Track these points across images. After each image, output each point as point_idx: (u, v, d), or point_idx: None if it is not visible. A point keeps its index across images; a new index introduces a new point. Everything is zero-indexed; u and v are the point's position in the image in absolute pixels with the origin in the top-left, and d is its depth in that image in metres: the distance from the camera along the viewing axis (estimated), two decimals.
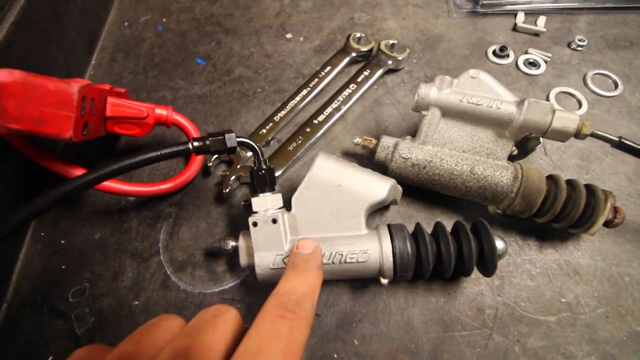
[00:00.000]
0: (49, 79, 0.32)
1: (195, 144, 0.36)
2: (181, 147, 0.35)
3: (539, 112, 0.37)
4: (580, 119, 0.37)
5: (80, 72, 0.60)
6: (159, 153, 0.34)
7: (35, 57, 0.50)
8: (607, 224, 0.38)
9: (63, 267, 0.43)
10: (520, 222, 0.42)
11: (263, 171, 0.37)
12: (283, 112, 0.51)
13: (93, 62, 0.62)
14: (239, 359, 0.19)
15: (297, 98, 0.52)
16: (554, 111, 0.37)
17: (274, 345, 0.20)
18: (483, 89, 0.40)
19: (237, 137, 0.37)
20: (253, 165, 0.38)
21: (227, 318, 0.22)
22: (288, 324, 0.22)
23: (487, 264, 0.34)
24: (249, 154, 0.48)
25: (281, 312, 0.22)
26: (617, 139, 0.37)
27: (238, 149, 0.38)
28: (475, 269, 0.36)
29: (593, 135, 0.38)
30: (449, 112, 0.41)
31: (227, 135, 0.36)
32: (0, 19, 0.45)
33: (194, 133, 0.47)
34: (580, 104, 0.51)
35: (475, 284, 0.39)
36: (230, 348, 0.21)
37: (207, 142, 0.36)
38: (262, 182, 0.37)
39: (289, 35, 0.62)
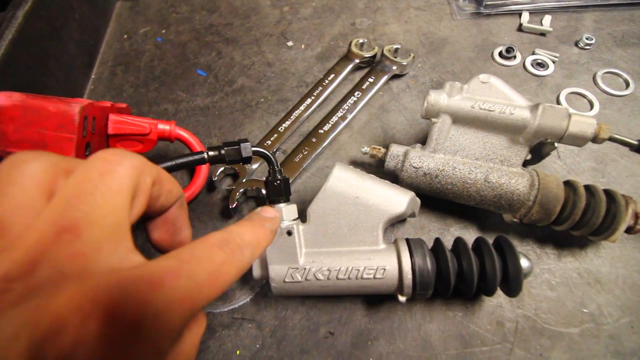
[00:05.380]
0: (49, 101, 0.31)
1: (211, 153, 0.34)
2: (197, 157, 0.34)
3: (555, 117, 0.36)
4: (597, 122, 0.36)
5: (81, 87, 0.59)
6: (174, 162, 0.33)
7: (35, 74, 0.50)
8: (628, 230, 0.36)
9: None
10: (536, 229, 0.41)
11: (278, 181, 0.36)
12: (288, 123, 0.50)
13: (93, 76, 0.61)
14: (155, 265, 0.18)
15: (302, 107, 0.51)
16: (570, 115, 0.36)
17: (203, 264, 0.19)
18: (494, 94, 0.39)
19: (252, 146, 0.36)
20: (268, 175, 0.37)
21: (121, 174, 0.19)
22: (223, 256, 0.21)
23: (512, 284, 0.33)
24: (254, 166, 0.47)
25: (221, 244, 0.22)
26: (636, 142, 0.36)
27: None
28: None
29: (611, 139, 0.36)
30: (460, 119, 0.40)
31: (242, 145, 0.35)
32: None
33: (197, 147, 0.46)
34: (591, 105, 0.50)
35: (493, 296, 0.38)
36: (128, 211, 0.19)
37: (223, 152, 0.35)
38: (277, 192, 0.36)
39: (290, 43, 0.61)
